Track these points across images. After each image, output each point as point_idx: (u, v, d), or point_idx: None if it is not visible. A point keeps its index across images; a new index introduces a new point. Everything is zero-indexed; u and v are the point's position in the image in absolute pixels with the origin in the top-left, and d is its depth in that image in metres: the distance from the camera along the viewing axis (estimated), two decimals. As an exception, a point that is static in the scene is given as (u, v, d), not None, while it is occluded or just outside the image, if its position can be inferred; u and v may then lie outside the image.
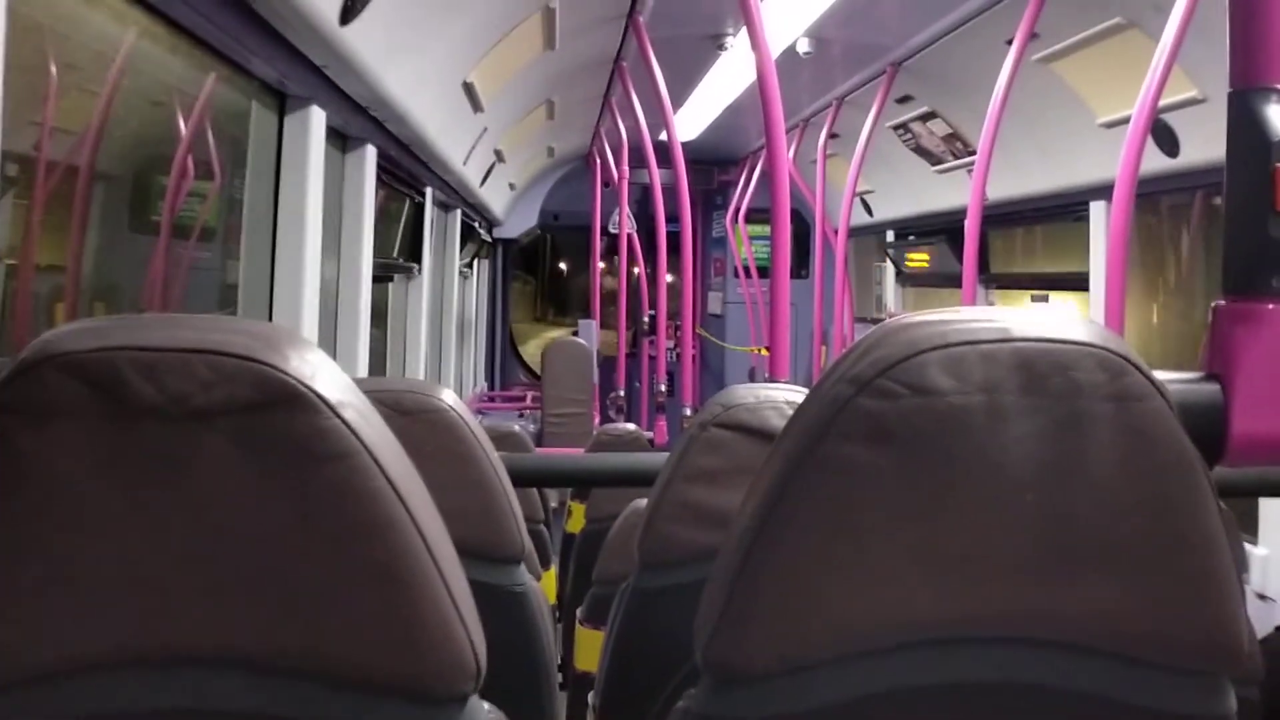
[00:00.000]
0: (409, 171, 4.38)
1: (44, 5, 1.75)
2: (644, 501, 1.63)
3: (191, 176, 2.50)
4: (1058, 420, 0.73)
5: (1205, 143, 3.42)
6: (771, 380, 2.90)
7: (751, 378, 8.61)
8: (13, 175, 1.77)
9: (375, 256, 3.49)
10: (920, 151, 5.77)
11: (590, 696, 1.65)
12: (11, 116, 1.29)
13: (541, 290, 14.15)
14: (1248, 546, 3.15)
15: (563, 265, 14.78)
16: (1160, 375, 0.76)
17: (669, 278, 5.61)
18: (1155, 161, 3.52)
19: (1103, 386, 0.73)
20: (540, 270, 14.13)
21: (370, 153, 3.38)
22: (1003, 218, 5.19)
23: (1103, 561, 0.74)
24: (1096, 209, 4.26)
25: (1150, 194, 3.76)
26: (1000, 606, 0.75)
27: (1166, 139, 3.56)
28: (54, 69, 1.87)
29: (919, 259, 5.81)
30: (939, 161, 5.65)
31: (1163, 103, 3.08)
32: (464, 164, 4.99)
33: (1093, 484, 0.73)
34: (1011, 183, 4.77)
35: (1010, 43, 3.68)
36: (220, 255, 2.81)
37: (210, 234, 2.75)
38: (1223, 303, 1.03)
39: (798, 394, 1.41)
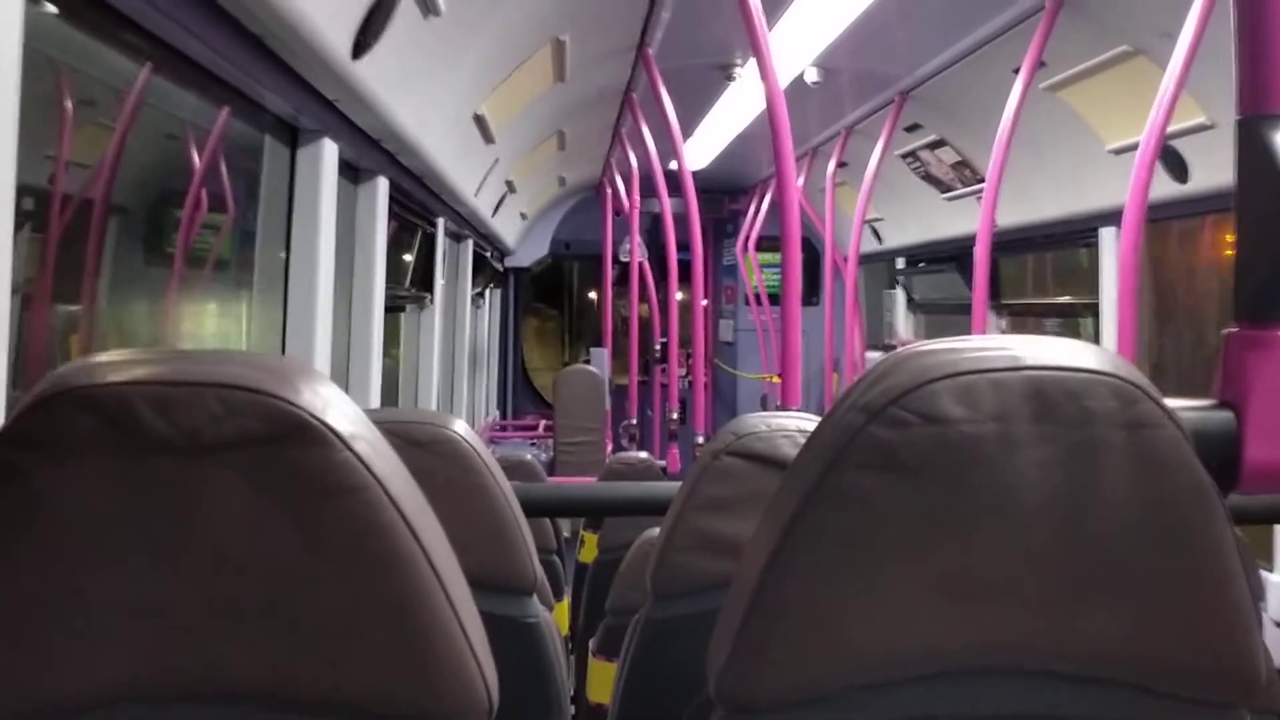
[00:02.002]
0: (421, 203, 4.40)
1: (58, 40, 1.77)
2: (657, 531, 1.62)
3: (205, 209, 2.51)
4: (1070, 449, 0.73)
5: (1215, 168, 3.42)
6: (783, 408, 2.90)
7: (763, 405, 8.61)
8: (28, 209, 1.78)
9: (387, 287, 3.50)
10: (929, 179, 5.78)
11: None
12: (27, 150, 1.30)
13: (569, 326, 11.77)
14: (1264, 574, 3.13)
15: (593, 295, 11.74)
16: (1173, 403, 0.76)
17: (679, 295, 5.61)
18: (1165, 187, 3.52)
19: (1115, 414, 0.73)
20: (566, 302, 11.71)
21: (382, 185, 3.40)
22: (1012, 244, 5.19)
23: (1118, 591, 0.74)
24: (1106, 235, 4.26)
25: (1160, 220, 3.76)
26: (1015, 636, 0.75)
27: (1175, 165, 3.56)
28: (69, 103, 1.89)
29: None
30: (948, 189, 5.66)
31: (1171, 129, 3.08)
32: (475, 195, 5.01)
33: (1106, 513, 0.73)
34: (1021, 210, 4.77)
35: (1018, 71, 3.69)
36: (234, 288, 2.82)
37: (224, 266, 2.77)
38: (1235, 329, 1.03)
39: (810, 422, 1.41)
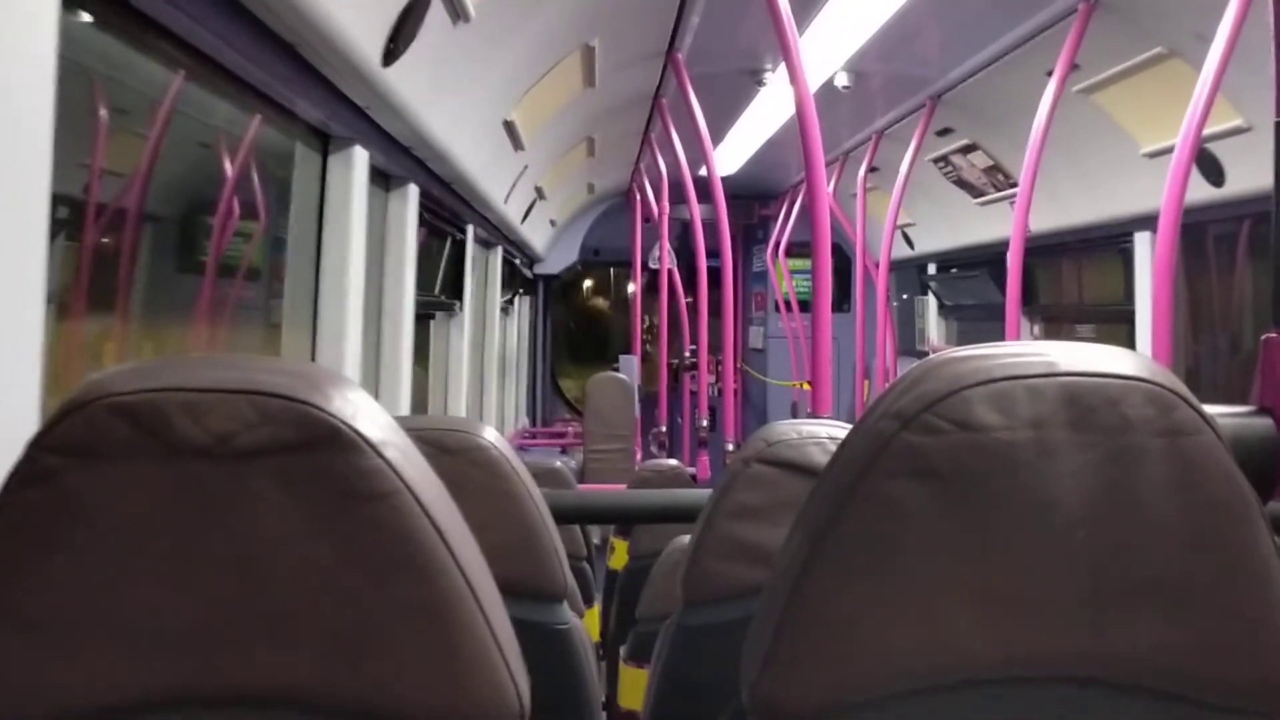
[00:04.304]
0: (450, 210, 4.42)
1: (94, 50, 1.78)
2: (687, 538, 1.62)
3: (237, 217, 2.53)
4: (1107, 456, 0.72)
5: (1252, 171, 3.39)
6: (814, 415, 2.89)
7: (794, 412, 8.59)
8: (63, 218, 1.80)
9: (417, 294, 3.52)
10: (961, 184, 5.75)
11: None
12: (62, 160, 1.31)
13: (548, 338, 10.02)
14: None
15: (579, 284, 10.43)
16: (1211, 409, 0.75)
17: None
18: (1201, 191, 3.49)
19: (1152, 421, 0.72)
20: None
21: (412, 192, 3.41)
22: (1046, 249, 5.16)
23: (1156, 599, 0.73)
24: (1141, 240, 4.23)
25: (1196, 223, 3.73)
26: (1052, 645, 0.74)
27: (1211, 168, 3.53)
28: (103, 113, 1.90)
29: None
30: (980, 193, 5.64)
31: (1207, 131, 3.05)
32: (505, 202, 5.03)
33: (1144, 521, 0.72)
34: (1054, 214, 4.75)
35: (1050, 74, 3.67)
36: (265, 295, 2.84)
37: (255, 274, 2.78)
38: (1273, 334, 1.01)
39: (841, 429, 1.40)
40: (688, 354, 8.35)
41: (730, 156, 7.00)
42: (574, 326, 10.79)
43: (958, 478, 0.72)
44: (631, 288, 8.66)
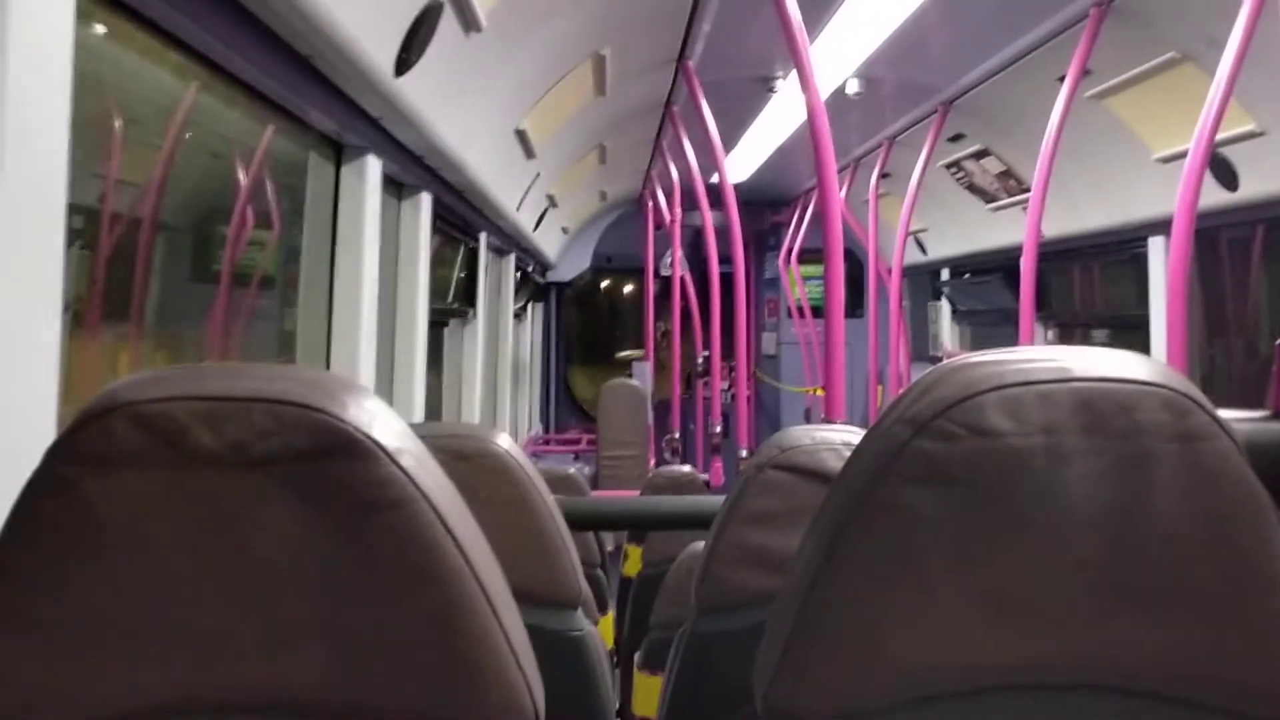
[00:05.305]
0: (463, 218, 4.42)
1: (108, 61, 1.79)
2: (701, 544, 1.62)
3: (251, 226, 2.54)
4: (1121, 461, 0.72)
5: (1265, 175, 3.38)
6: (827, 421, 2.89)
7: (807, 418, 8.57)
8: (79, 227, 1.80)
9: (431, 302, 3.52)
10: (973, 189, 5.74)
11: None
12: (77, 170, 1.32)
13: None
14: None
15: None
16: (1226, 414, 0.74)
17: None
18: (1214, 195, 3.48)
19: (1167, 426, 0.72)
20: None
21: (425, 200, 3.42)
22: (1059, 255, 5.15)
23: (1171, 605, 0.73)
24: (1155, 245, 4.21)
25: (1210, 228, 3.72)
26: (1066, 651, 0.74)
27: (1225, 173, 3.52)
28: (118, 123, 1.91)
29: None
30: (993, 199, 5.63)
31: (1220, 136, 3.04)
32: (517, 209, 5.03)
33: (1159, 526, 0.72)
34: (1067, 219, 4.74)
35: (1062, 80, 3.66)
36: (279, 303, 2.84)
37: (269, 282, 2.79)
38: (1288, 339, 1.01)
39: (855, 435, 1.40)
40: (700, 360, 8.35)
41: (742, 163, 7.00)
42: (586, 332, 10.80)
43: (971, 483, 0.72)
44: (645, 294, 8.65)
